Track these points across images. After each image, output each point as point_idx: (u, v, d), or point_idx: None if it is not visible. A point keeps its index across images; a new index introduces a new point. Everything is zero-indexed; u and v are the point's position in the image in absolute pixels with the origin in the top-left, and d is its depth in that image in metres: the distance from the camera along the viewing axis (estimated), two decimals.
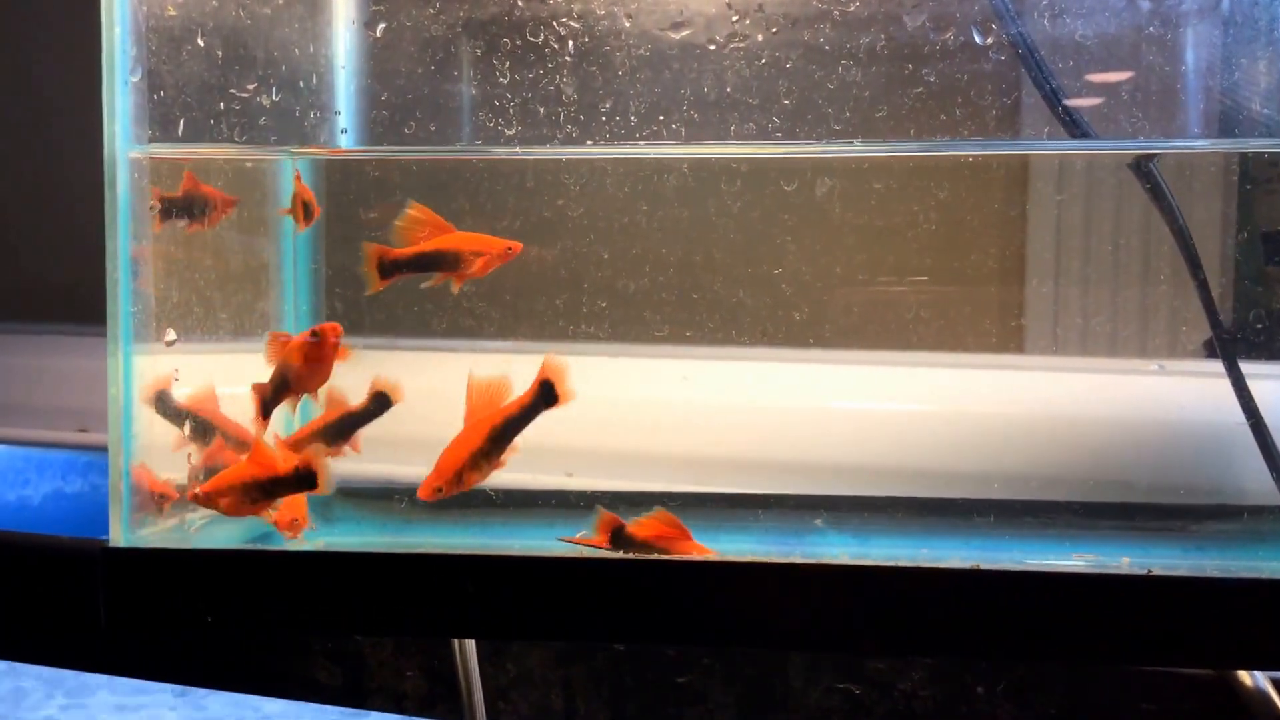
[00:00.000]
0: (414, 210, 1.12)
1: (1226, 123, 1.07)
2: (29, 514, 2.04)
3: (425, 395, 1.24)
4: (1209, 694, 1.36)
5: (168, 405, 1.17)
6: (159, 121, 1.12)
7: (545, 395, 1.10)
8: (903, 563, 1.00)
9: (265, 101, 1.19)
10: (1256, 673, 1.24)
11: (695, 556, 1.06)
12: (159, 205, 1.11)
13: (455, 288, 1.14)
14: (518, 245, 1.13)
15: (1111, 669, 1.42)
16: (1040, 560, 1.10)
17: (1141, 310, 1.18)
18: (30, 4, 1.80)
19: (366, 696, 1.78)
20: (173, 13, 1.12)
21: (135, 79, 1.10)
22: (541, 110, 1.15)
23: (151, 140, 1.12)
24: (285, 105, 1.23)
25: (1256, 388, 1.11)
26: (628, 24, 1.12)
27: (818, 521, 1.17)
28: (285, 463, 1.12)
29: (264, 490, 1.13)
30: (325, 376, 1.15)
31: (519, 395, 1.10)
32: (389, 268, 1.13)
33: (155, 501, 1.17)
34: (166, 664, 1.80)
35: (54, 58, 1.62)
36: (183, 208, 1.14)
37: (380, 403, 1.20)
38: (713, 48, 1.12)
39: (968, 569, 0.99)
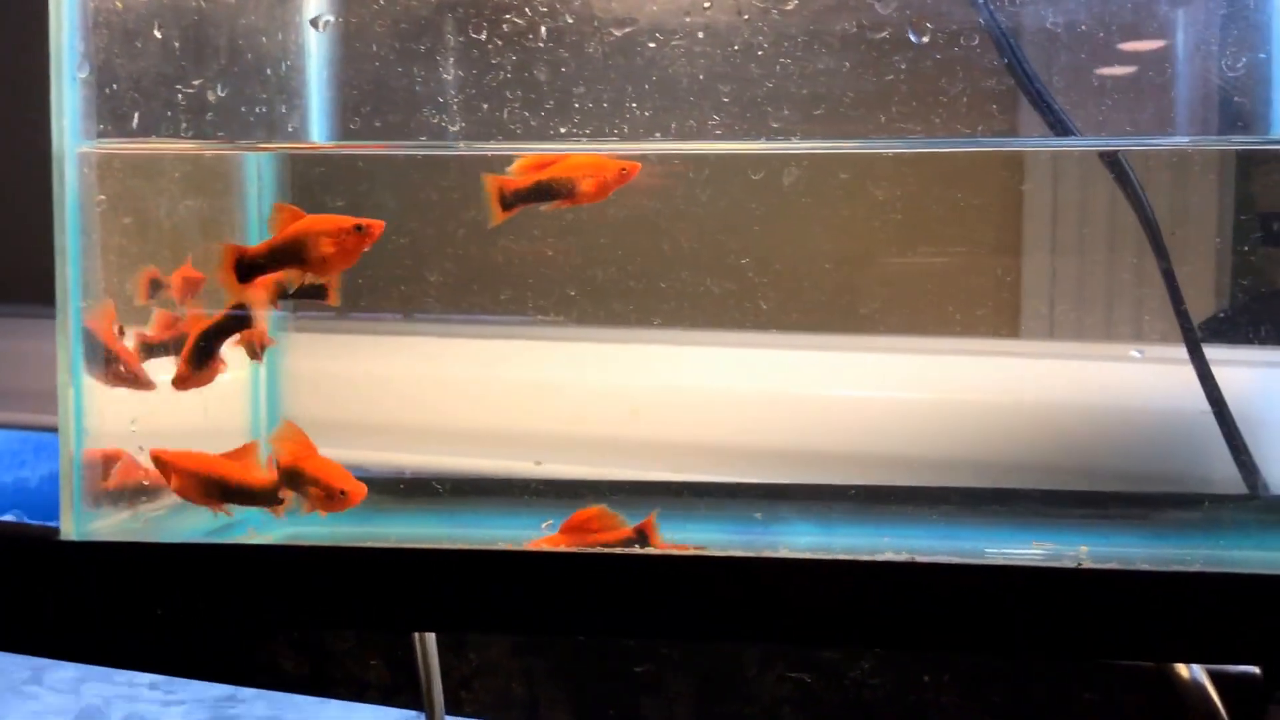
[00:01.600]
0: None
1: (1216, 115, 1.04)
2: (26, 495, 2.00)
3: (397, 381, 1.22)
4: (1149, 685, 1.35)
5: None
6: (111, 115, 1.09)
7: None
8: (839, 555, 0.97)
9: (226, 93, 1.16)
10: (1194, 665, 1.21)
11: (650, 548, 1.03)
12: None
13: (570, 205, 1.06)
14: (634, 166, 1.05)
15: (1049, 661, 1.40)
16: (1000, 548, 1.07)
17: (1119, 295, 1.14)
18: None
19: (331, 685, 1.75)
20: (120, 5, 1.08)
21: (84, 75, 1.06)
22: (514, 102, 1.12)
23: (102, 135, 1.08)
24: (250, 95, 1.18)
25: (1239, 374, 1.07)
26: (614, 10, 1.08)
27: (784, 509, 1.13)
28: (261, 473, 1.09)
29: (228, 493, 1.10)
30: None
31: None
32: (510, 199, 1.06)
33: (134, 488, 1.14)
34: (130, 651, 1.78)
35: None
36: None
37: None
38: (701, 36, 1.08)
39: (903, 561, 0.95)
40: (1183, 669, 1.20)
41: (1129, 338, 1.14)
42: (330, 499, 1.06)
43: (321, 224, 1.05)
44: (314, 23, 1.18)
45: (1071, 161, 1.16)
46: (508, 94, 1.10)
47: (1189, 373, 1.06)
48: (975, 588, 0.94)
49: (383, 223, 1.05)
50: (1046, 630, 0.94)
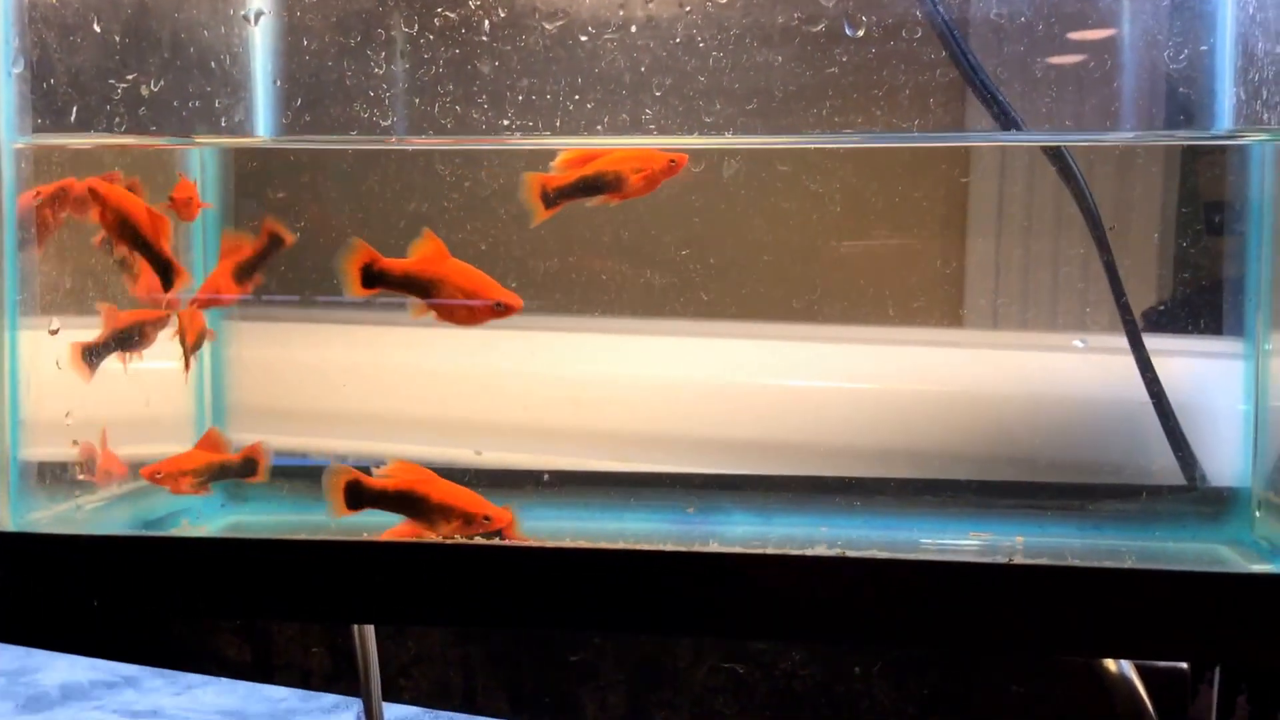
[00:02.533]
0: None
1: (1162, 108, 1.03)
2: None
3: (339, 369, 1.19)
4: (1076, 679, 1.33)
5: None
6: (49, 110, 1.05)
7: None
8: (770, 550, 0.94)
9: (164, 86, 1.12)
10: (1121, 661, 1.20)
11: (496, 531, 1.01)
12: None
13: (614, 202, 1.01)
14: (682, 158, 1.00)
15: (979, 654, 1.39)
16: (937, 539, 1.04)
17: (1062, 286, 1.12)
18: None
19: (273, 672, 1.73)
20: (53, 2, 1.05)
21: (18, 70, 1.02)
22: (445, 96, 1.09)
23: (41, 129, 1.05)
24: (193, 89, 1.15)
25: (1180, 364, 1.05)
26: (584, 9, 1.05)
27: (724, 500, 1.11)
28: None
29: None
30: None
31: None
32: (552, 197, 1.00)
33: (104, 477, 1.12)
34: (75, 636, 1.75)
35: None
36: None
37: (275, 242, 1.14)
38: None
39: (833, 556, 0.92)
40: (1110, 664, 1.19)
41: (1072, 328, 1.12)
42: (471, 525, 1.03)
43: (638, 160, 1.00)
44: (248, 18, 1.15)
45: (1013, 153, 1.13)
46: (445, 87, 1.08)
47: (1131, 363, 1.04)
48: (904, 581, 0.91)
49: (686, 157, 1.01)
50: (974, 623, 0.91)
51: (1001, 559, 0.91)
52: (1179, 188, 1.07)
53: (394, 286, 1.01)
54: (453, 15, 1.06)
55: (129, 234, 1.07)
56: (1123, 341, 1.04)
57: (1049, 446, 1.11)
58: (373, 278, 1.01)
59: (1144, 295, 1.06)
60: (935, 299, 1.12)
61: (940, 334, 1.13)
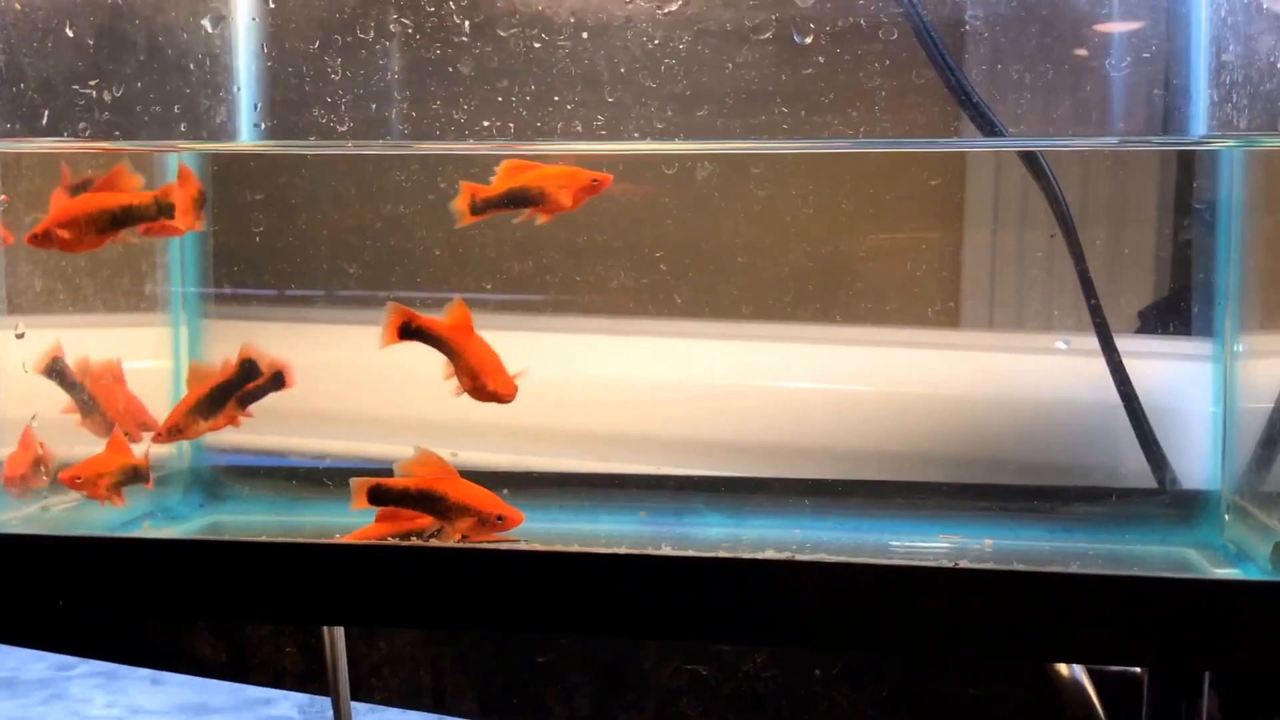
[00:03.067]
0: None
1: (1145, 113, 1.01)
2: None
3: (318, 368, 1.17)
4: (1031, 683, 1.33)
5: (62, 373, 1.08)
6: (18, 114, 1.03)
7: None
8: (722, 553, 0.92)
9: (139, 89, 1.11)
10: (1074, 665, 1.20)
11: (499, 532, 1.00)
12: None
13: (541, 220, 1.01)
14: (606, 177, 1.01)
15: (935, 657, 1.39)
16: (907, 541, 1.03)
17: (1047, 287, 1.10)
18: None
19: (248, 671, 1.72)
20: (19, 7, 1.03)
21: None
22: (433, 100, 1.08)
23: (10, 134, 1.03)
24: (170, 91, 1.13)
25: (1161, 366, 1.03)
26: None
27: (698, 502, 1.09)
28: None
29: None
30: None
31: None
32: (479, 205, 1.02)
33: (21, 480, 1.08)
34: (55, 635, 1.74)
35: None
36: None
37: (247, 372, 1.11)
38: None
39: (783, 560, 0.90)
40: (1063, 667, 1.18)
41: (1044, 329, 1.11)
42: (485, 525, 1.02)
43: (563, 178, 1.01)
44: (211, 23, 1.14)
45: (989, 154, 1.12)
46: (426, 89, 1.07)
47: (1102, 364, 1.03)
48: (853, 585, 0.89)
49: (611, 177, 1.02)
50: (919, 627, 0.90)
51: (949, 563, 0.91)
52: (1156, 189, 1.06)
53: (426, 341, 1.03)
54: (432, 17, 1.05)
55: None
56: (1094, 343, 1.02)
57: (1020, 448, 1.10)
58: (409, 333, 1.03)
59: (1120, 297, 1.05)
60: (908, 300, 1.11)
61: (913, 335, 1.11)
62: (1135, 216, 1.08)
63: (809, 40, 0.99)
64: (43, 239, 1.04)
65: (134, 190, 1.06)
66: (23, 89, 1.03)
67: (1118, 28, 0.98)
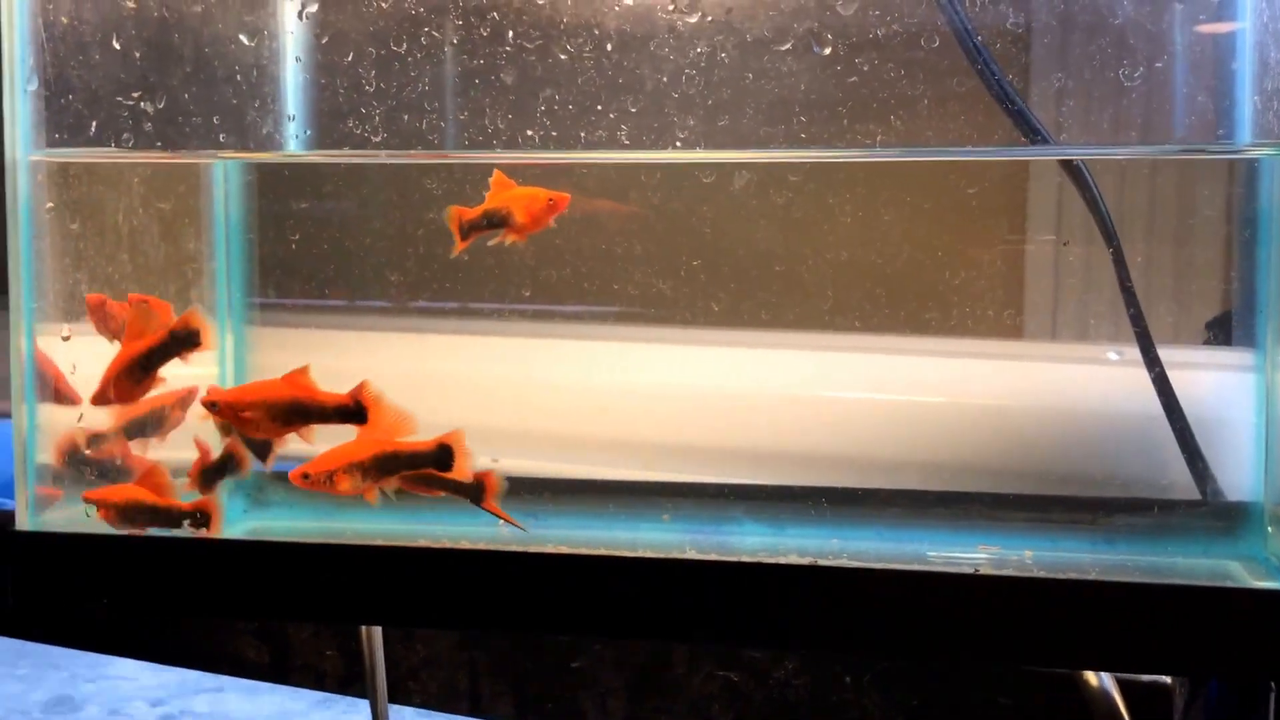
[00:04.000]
0: None
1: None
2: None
3: (360, 373, 1.17)
4: (1060, 691, 1.30)
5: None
6: (67, 125, 1.04)
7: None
8: (744, 558, 0.92)
9: (185, 100, 1.10)
10: (1102, 673, 1.16)
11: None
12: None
13: (509, 241, 1.01)
14: (561, 198, 1.00)
15: (963, 665, 1.36)
16: (945, 552, 1.00)
17: (1098, 297, 1.07)
18: None
19: (290, 673, 1.71)
20: (66, 20, 1.02)
21: (33, 88, 1.01)
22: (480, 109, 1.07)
23: (58, 144, 1.03)
24: (217, 101, 1.12)
25: (1211, 377, 1.00)
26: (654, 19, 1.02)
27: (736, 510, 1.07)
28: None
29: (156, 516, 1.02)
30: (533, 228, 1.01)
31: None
32: (465, 229, 1.02)
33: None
34: (96, 635, 1.73)
35: None
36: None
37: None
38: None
39: (805, 565, 0.90)
40: (1091, 676, 1.15)
41: (1106, 339, 1.08)
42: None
43: (524, 199, 1.00)
44: (252, 35, 1.13)
45: (1040, 163, 1.10)
46: (474, 100, 1.05)
47: (1144, 375, 1.00)
48: (889, 591, 0.89)
49: (568, 197, 1.01)
50: (943, 634, 0.89)
51: (968, 569, 0.88)
52: (1203, 198, 1.03)
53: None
54: (481, 29, 1.03)
55: (290, 416, 1.02)
56: (1136, 353, 1.00)
57: (1062, 459, 1.07)
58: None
59: (1165, 305, 1.02)
60: (951, 310, 1.08)
61: (956, 345, 1.09)
62: (1182, 225, 1.04)
63: (827, 50, 0.97)
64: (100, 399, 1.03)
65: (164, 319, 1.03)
66: (70, 100, 1.03)
67: (1162, 33, 0.95)
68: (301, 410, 1.00)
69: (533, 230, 1.01)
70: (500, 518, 1.01)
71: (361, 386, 1.00)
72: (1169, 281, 1.02)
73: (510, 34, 1.02)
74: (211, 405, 0.99)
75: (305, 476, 0.98)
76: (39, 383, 1.05)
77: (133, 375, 1.02)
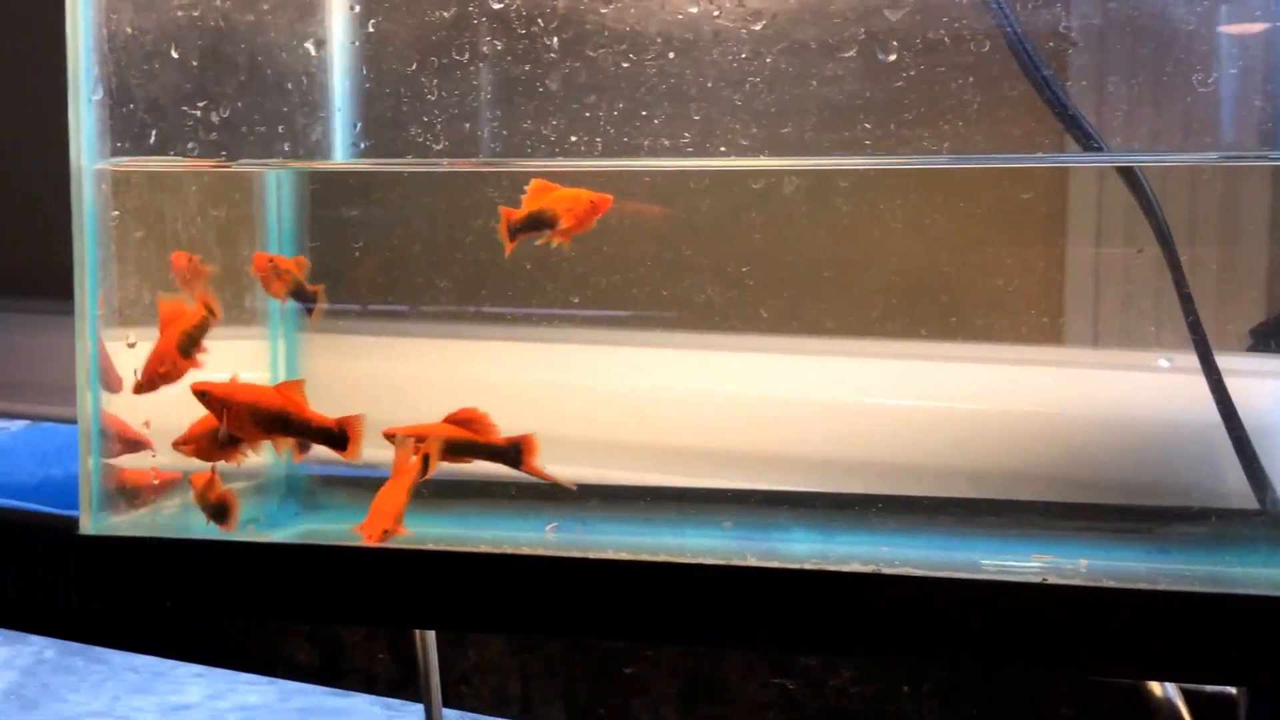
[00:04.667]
0: None
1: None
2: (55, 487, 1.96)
3: (410, 382, 1.19)
4: (1124, 701, 1.30)
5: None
6: (129, 134, 1.06)
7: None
8: (807, 565, 0.92)
9: (240, 108, 1.13)
10: (1167, 684, 1.17)
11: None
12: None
13: (555, 243, 1.04)
14: (603, 200, 1.02)
15: (1025, 674, 1.36)
16: (998, 560, 1.00)
17: (1149, 302, 1.05)
18: None
19: (342, 677, 1.73)
20: (131, 31, 1.05)
21: (97, 97, 1.04)
22: (525, 116, 1.08)
23: (120, 152, 1.06)
24: (270, 110, 1.14)
25: (1261, 384, 0.99)
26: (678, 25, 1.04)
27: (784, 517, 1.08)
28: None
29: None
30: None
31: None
32: (513, 231, 1.04)
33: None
34: (152, 638, 1.76)
35: None
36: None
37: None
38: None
39: (869, 572, 0.90)
40: (1155, 687, 1.15)
41: (1155, 345, 1.07)
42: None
43: (566, 200, 1.03)
44: (314, 45, 1.15)
45: (1089, 169, 1.10)
46: (519, 107, 1.07)
47: (1201, 381, 0.99)
48: (949, 600, 0.89)
49: (610, 199, 1.03)
50: (1010, 643, 0.89)
51: (1035, 578, 0.88)
52: (1259, 203, 1.03)
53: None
54: (524, 34, 1.05)
55: (272, 424, 1.05)
56: (1193, 360, 0.99)
57: (1116, 467, 1.07)
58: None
59: (1223, 312, 1.02)
60: (1004, 315, 1.09)
61: (1006, 351, 1.09)
62: (1236, 231, 1.04)
63: (892, 58, 0.98)
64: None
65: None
66: (132, 109, 1.06)
67: (1216, 35, 0.95)
68: (286, 423, 1.03)
69: (576, 231, 1.03)
70: (543, 478, 1.03)
71: (354, 419, 1.04)
72: (1213, 286, 1.02)
73: (555, 42, 1.04)
74: (202, 394, 1.02)
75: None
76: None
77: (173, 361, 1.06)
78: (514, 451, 1.04)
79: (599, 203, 1.02)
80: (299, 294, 1.12)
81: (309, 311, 1.15)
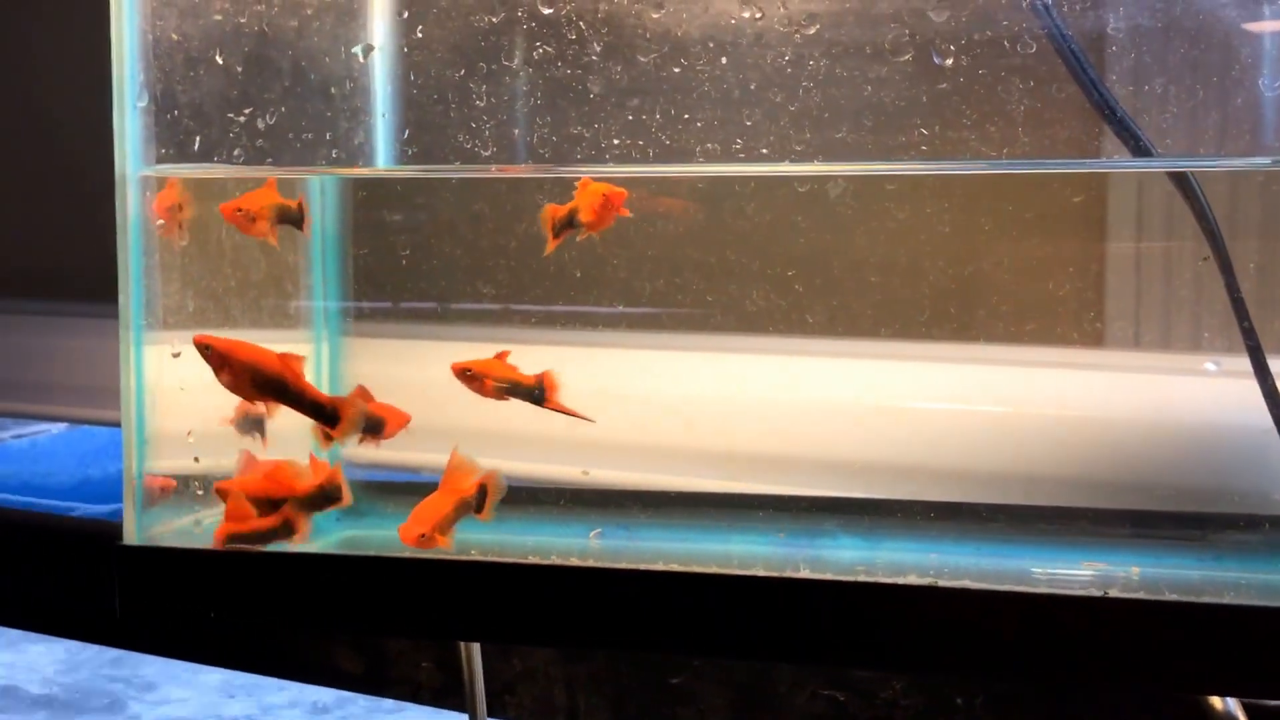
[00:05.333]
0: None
1: None
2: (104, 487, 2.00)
3: (450, 384, 1.20)
4: (1182, 714, 1.29)
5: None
6: (173, 141, 1.07)
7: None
8: (861, 577, 0.92)
9: (284, 114, 1.14)
10: (1227, 697, 1.16)
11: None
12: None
13: (580, 238, 1.07)
14: (617, 193, 1.05)
15: (1081, 687, 1.35)
16: (1049, 568, 0.99)
17: (1195, 307, 1.06)
18: None
19: (386, 685, 1.74)
20: (176, 38, 1.06)
21: (142, 104, 1.05)
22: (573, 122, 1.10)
23: (165, 159, 1.07)
24: (314, 116, 1.16)
25: None
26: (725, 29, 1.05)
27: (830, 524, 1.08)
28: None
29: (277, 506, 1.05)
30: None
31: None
32: (556, 227, 1.07)
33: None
34: (195, 645, 1.78)
35: None
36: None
37: None
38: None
39: (925, 585, 0.89)
40: (1216, 700, 1.14)
41: (1203, 350, 1.06)
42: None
43: (586, 198, 1.06)
44: (359, 53, 1.17)
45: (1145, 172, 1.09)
46: (560, 112, 1.09)
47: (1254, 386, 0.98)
48: (998, 612, 0.89)
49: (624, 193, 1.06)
50: (1069, 657, 0.88)
51: (1097, 592, 0.88)
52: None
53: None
54: (569, 37, 1.06)
55: (267, 387, 1.06)
56: (1245, 364, 0.99)
57: (1167, 473, 1.07)
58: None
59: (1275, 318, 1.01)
60: (1053, 319, 1.08)
61: (1059, 355, 1.09)
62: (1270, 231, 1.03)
63: (949, 62, 0.98)
64: None
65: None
66: (176, 115, 1.07)
67: (1268, 34, 0.95)
68: (281, 389, 1.05)
69: (599, 225, 1.05)
70: (566, 413, 1.05)
71: (351, 399, 1.08)
72: (1254, 289, 1.02)
73: (598, 46, 1.05)
74: (204, 347, 1.04)
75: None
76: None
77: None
78: (539, 389, 1.07)
79: (612, 196, 1.05)
80: (285, 218, 1.12)
81: (300, 225, 1.15)
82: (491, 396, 1.07)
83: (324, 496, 1.06)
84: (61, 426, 2.07)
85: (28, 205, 1.91)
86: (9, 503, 1.73)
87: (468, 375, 1.07)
